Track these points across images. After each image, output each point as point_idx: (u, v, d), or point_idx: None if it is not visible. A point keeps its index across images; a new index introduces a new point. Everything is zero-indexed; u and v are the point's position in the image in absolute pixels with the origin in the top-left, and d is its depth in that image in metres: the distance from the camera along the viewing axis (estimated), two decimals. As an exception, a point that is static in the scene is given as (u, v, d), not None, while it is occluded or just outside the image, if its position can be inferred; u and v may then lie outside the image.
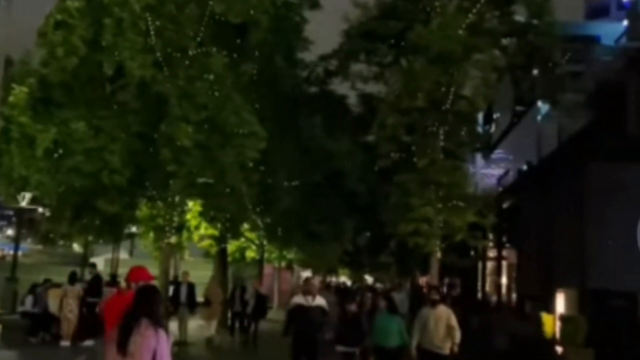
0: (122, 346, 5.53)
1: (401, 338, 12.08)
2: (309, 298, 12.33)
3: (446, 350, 11.60)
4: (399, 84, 21.47)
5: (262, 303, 23.08)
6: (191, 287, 21.25)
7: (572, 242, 17.62)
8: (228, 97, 20.12)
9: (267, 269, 37.74)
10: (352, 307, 12.82)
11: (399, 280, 40.32)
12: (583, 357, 15.39)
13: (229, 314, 25.09)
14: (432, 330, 11.56)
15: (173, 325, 20.05)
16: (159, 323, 5.72)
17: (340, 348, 12.37)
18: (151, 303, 5.81)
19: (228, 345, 22.96)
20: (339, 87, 30.65)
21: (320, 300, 12.51)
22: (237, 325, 24.13)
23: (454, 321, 11.71)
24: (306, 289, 12.80)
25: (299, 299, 12.57)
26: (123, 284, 10.21)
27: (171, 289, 21.73)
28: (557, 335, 16.93)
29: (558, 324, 16.95)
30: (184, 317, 20.98)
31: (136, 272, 7.57)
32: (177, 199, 21.69)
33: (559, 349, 16.40)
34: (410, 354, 11.78)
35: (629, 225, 16.16)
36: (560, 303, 18.63)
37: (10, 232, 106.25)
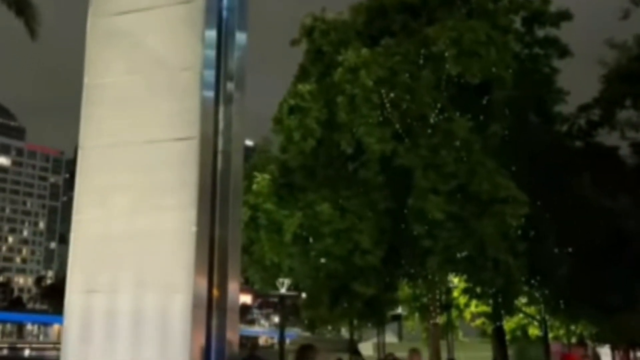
0: None
1: None
2: None
3: None
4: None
5: None
6: None
7: None
8: (478, 162, 18.79)
9: (555, 347, 34.48)
10: None
11: None
12: None
13: None
14: None
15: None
16: None
17: None
18: None
19: None
20: (607, 138, 27.96)
21: None
22: None
23: None
24: None
25: None
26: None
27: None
28: None
29: None
30: None
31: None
32: (436, 276, 20.58)
33: None
34: None
35: None
36: None
37: (276, 319, 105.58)
